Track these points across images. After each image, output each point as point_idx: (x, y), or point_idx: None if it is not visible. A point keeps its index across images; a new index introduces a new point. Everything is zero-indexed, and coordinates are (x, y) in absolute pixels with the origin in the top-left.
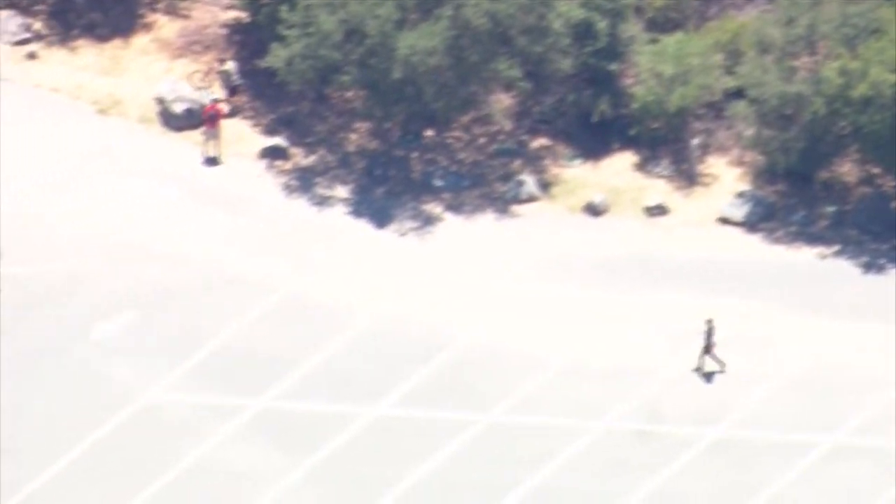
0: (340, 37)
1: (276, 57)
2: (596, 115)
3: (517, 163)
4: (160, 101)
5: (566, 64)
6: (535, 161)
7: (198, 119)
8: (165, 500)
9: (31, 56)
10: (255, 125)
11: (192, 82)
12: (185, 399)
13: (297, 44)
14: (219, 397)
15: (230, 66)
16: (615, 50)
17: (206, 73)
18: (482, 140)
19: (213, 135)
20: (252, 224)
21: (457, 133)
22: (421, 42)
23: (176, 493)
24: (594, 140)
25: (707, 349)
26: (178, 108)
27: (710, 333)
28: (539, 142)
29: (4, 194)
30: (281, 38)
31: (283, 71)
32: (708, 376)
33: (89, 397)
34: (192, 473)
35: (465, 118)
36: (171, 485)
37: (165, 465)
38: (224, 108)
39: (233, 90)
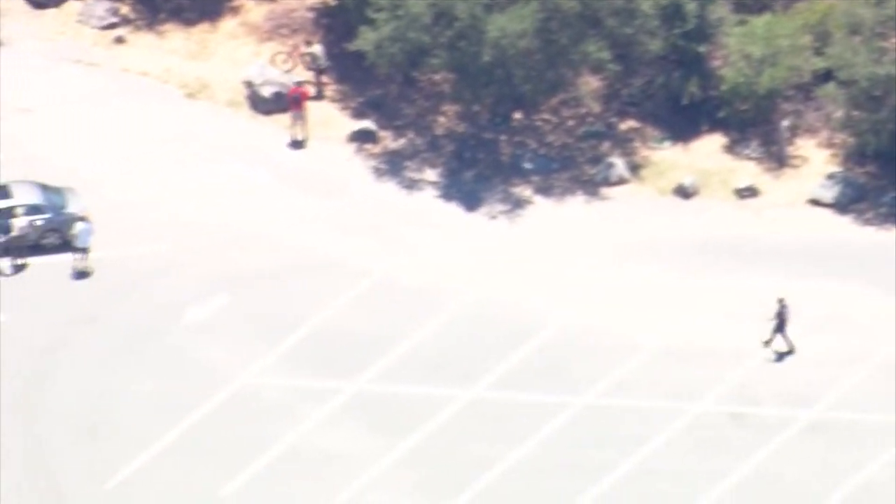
0: (429, 19)
1: (365, 40)
2: (686, 97)
3: (606, 145)
4: (248, 84)
5: (655, 46)
6: (623, 143)
7: (286, 103)
8: (262, 483)
9: (119, 40)
10: (343, 108)
11: (275, 65)
12: (279, 382)
13: (385, 27)
14: (313, 380)
15: (316, 48)
16: (704, 31)
17: (290, 55)
18: (570, 123)
19: (300, 117)
20: (342, 207)
21: (545, 116)
22: (511, 25)
23: (272, 475)
24: (683, 122)
25: (778, 328)
26: (267, 91)
27: (782, 313)
28: (627, 124)
29: (96, 178)
30: (369, 22)
31: (371, 54)
32: (779, 356)
33: (185, 380)
34: (287, 456)
35: (554, 101)
36: (268, 467)
37: (261, 447)
38: (310, 90)
39: (319, 73)
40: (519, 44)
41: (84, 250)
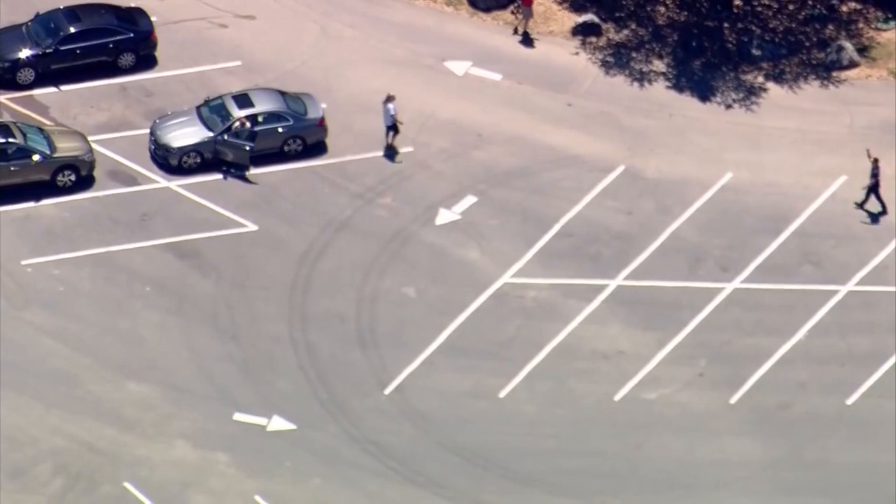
0: None
1: None
2: None
3: (829, 28)
4: None
5: None
6: (847, 25)
7: None
8: (540, 382)
9: None
10: (561, 2)
11: None
12: (540, 280)
13: None
14: (574, 278)
15: None
16: None
17: None
18: (791, 7)
19: (527, 13)
20: (576, 101)
21: (765, 1)
22: None
23: (549, 374)
24: None
25: (873, 188)
26: None
27: (875, 172)
28: (849, 6)
29: (326, 84)
30: None
31: None
32: (873, 217)
33: (447, 282)
34: (560, 354)
35: None
36: (544, 366)
37: (533, 347)
38: None
39: None
40: None
41: (394, 129)
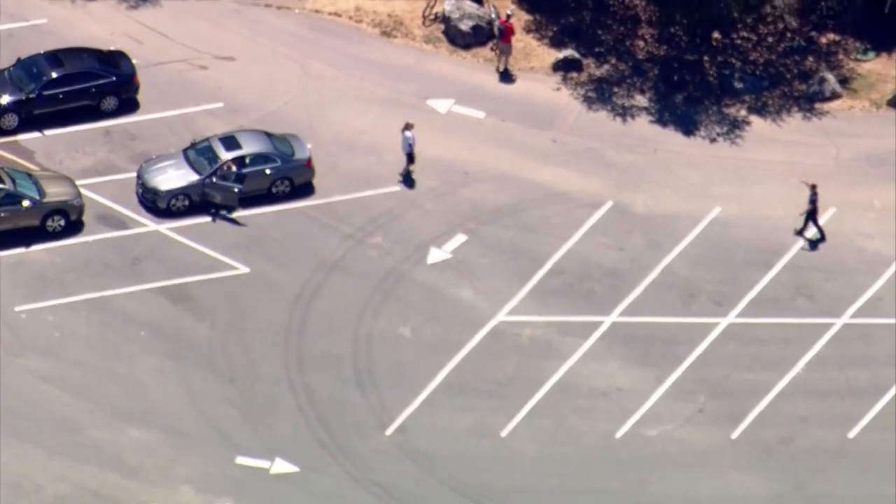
0: None
1: None
2: (888, 5)
3: (809, 60)
4: (446, 19)
5: None
6: (827, 57)
7: (485, 36)
8: (542, 420)
9: None
10: (540, 38)
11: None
12: (535, 318)
13: None
14: (568, 315)
15: None
16: None
17: None
18: (770, 39)
19: (505, 49)
20: (561, 137)
21: (743, 34)
22: None
23: (549, 412)
24: (883, 32)
25: (810, 214)
26: (466, 25)
27: (814, 199)
28: (827, 37)
29: (310, 123)
30: None
31: None
32: (811, 243)
33: (442, 321)
34: (560, 392)
35: (748, 18)
36: (544, 404)
37: (532, 385)
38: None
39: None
40: None
41: (411, 157)
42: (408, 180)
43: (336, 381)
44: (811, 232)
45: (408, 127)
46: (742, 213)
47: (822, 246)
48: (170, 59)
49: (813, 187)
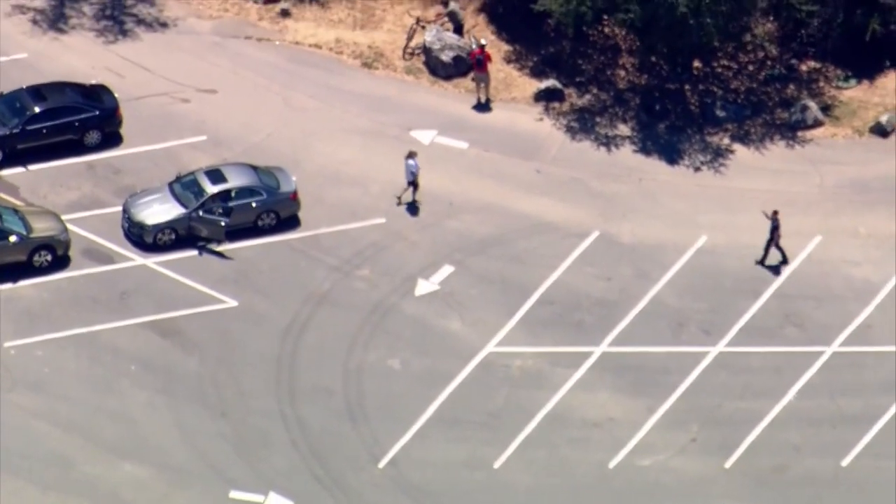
0: None
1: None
2: (868, 33)
3: (790, 88)
4: (427, 50)
5: None
6: (808, 84)
7: (466, 66)
8: (534, 451)
9: (284, 14)
10: (521, 69)
11: (411, 35)
12: (525, 349)
13: None
14: (558, 345)
15: (453, 6)
16: None
17: (437, 18)
18: (750, 67)
19: (483, 79)
20: (545, 167)
21: (724, 62)
22: None
23: (542, 443)
24: (863, 59)
25: (772, 241)
26: (447, 56)
27: (775, 224)
28: (808, 65)
29: (295, 155)
30: None
31: (558, 13)
32: (774, 269)
33: (432, 353)
34: (552, 423)
35: (728, 46)
36: (536, 435)
37: (524, 416)
38: (490, 51)
39: (459, 30)
40: None
41: (415, 184)
42: (411, 208)
43: (328, 414)
44: (774, 257)
45: (411, 155)
46: (728, 242)
47: (809, 274)
48: (151, 93)
49: (774, 214)
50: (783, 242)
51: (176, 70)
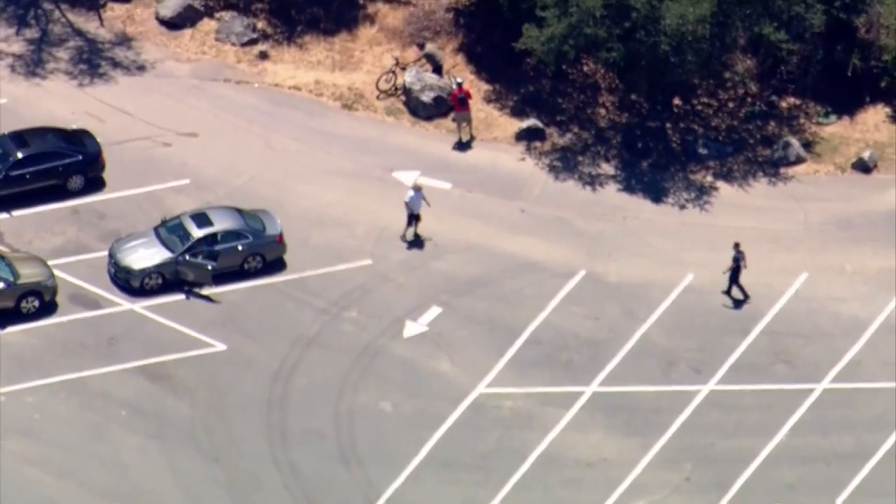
0: (602, 13)
1: (531, 38)
2: (850, 69)
3: (771, 124)
4: (407, 91)
5: (819, 21)
6: (788, 121)
7: (446, 107)
8: (528, 493)
9: (263, 56)
10: (501, 108)
11: (385, 80)
12: (515, 389)
13: (558, 24)
14: (548, 385)
15: (430, 47)
16: (857, 4)
17: (416, 60)
18: (730, 104)
19: (464, 118)
20: (529, 207)
21: (704, 99)
22: (690, 11)
23: (535, 484)
24: (843, 95)
25: (734, 275)
26: (427, 97)
27: (737, 258)
28: (788, 101)
29: (278, 198)
30: (528, 19)
31: (539, 51)
32: (736, 302)
33: (422, 395)
34: (545, 464)
35: (708, 83)
36: (529, 476)
37: (517, 457)
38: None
39: (438, 70)
40: (698, 30)
41: (416, 217)
42: (417, 242)
43: (320, 458)
44: (734, 291)
45: (417, 189)
46: (715, 280)
47: (797, 311)
48: (133, 137)
49: (736, 245)
50: (768, 279)
51: (156, 113)
